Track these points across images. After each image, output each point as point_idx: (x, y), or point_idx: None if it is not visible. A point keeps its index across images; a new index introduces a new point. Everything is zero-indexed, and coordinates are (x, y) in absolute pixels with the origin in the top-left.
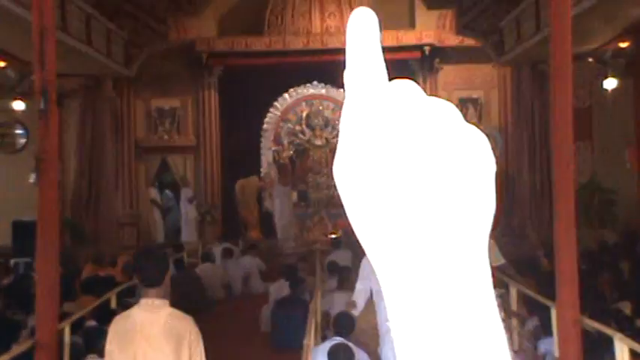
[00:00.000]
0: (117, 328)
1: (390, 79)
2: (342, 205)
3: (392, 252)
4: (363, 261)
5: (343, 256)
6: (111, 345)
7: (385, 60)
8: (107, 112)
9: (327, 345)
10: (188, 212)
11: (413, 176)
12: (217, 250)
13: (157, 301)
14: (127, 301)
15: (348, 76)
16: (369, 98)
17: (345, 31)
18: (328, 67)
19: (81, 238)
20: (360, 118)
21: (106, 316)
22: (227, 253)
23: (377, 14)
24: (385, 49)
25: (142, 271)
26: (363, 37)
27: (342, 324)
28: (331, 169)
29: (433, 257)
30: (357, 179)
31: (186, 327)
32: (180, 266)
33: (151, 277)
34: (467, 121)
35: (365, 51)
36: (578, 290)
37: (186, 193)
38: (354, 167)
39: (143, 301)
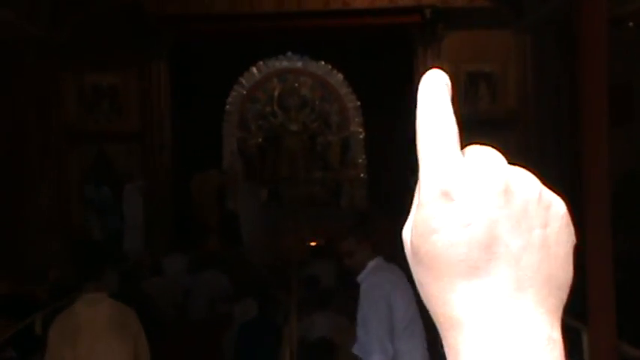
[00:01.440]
0: (60, 326)
1: (385, 51)
2: (323, 205)
3: (464, 324)
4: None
5: (325, 268)
6: (55, 345)
7: (377, 25)
8: (29, 89)
9: None
10: (134, 213)
11: (491, 245)
12: (168, 261)
13: (98, 295)
14: None
15: (420, 142)
16: (444, 165)
17: None
18: (306, 35)
19: None
20: (434, 184)
21: (28, 344)
22: (191, 266)
23: None
24: (376, 12)
25: (78, 263)
26: (434, 102)
27: (323, 352)
28: (309, 159)
29: (505, 323)
30: (429, 246)
31: (129, 317)
32: (125, 280)
33: (89, 270)
34: (478, 100)
35: (437, 116)
36: (615, 312)
37: (130, 188)
38: (428, 235)
39: (84, 296)
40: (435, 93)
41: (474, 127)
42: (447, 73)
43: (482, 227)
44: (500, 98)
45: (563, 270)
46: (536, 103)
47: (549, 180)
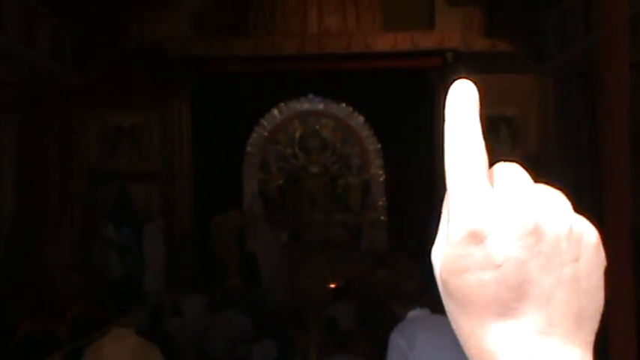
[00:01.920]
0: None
1: (406, 94)
2: (343, 247)
3: (494, 353)
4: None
5: (345, 311)
6: None
7: (399, 68)
8: (52, 131)
9: None
10: (155, 253)
11: (518, 266)
12: (188, 301)
13: (125, 330)
14: None
15: (448, 170)
16: (474, 202)
17: (347, 33)
18: (327, 77)
19: (18, 286)
20: (464, 224)
21: None
22: (210, 307)
23: (386, 12)
24: (398, 55)
25: (109, 300)
26: (462, 115)
27: None
28: (330, 201)
29: (536, 346)
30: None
31: (153, 356)
32: (146, 320)
33: (118, 307)
34: (499, 144)
35: (465, 141)
36: (636, 343)
37: (151, 228)
38: (456, 256)
39: (111, 332)
40: (462, 110)
41: None
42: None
43: (512, 269)
44: (522, 142)
45: (594, 300)
46: (558, 148)
47: None
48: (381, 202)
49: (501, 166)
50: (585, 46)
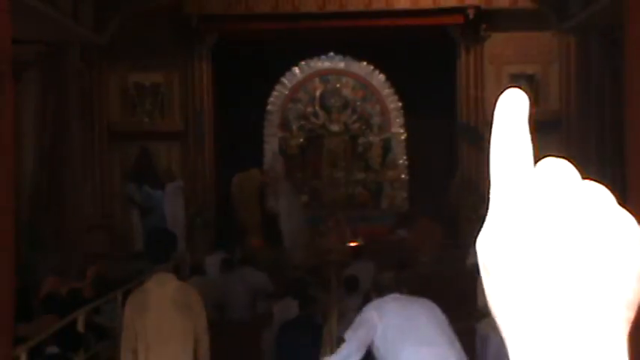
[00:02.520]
0: (133, 301)
1: (427, 52)
2: (364, 206)
3: (530, 330)
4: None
5: (365, 269)
6: (130, 316)
7: (420, 26)
8: (73, 89)
9: None
10: (176, 213)
11: (559, 259)
12: (209, 260)
13: (166, 276)
14: (98, 322)
15: (493, 156)
16: (518, 178)
17: None
18: (348, 35)
19: (41, 245)
20: (508, 197)
21: (71, 340)
22: (223, 265)
23: None
24: (419, 13)
25: (150, 249)
26: (511, 119)
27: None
28: (350, 160)
29: (570, 339)
30: (502, 257)
31: (192, 297)
32: None
33: (158, 256)
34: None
35: (513, 133)
36: None
37: (172, 188)
38: (501, 245)
39: (154, 277)
40: (511, 117)
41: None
42: (488, 74)
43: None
44: (543, 100)
45: (633, 289)
46: (580, 105)
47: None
48: (401, 161)
49: (549, 162)
50: (608, 2)
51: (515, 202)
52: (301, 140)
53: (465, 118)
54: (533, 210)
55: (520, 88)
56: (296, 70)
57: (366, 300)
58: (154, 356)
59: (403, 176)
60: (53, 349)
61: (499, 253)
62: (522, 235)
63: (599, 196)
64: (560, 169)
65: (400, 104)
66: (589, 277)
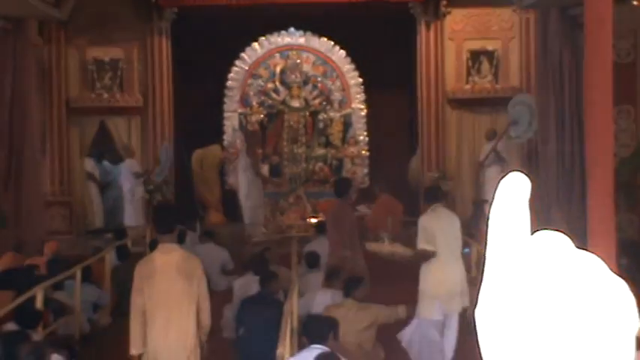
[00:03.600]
0: (141, 269)
1: (387, 28)
2: (324, 182)
3: None
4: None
5: (326, 246)
6: (139, 281)
7: (380, 1)
8: (31, 64)
9: (306, 355)
10: (133, 189)
11: (556, 330)
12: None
13: (171, 245)
14: (56, 299)
15: (491, 228)
16: (515, 249)
17: None
18: (309, 10)
19: None
20: (504, 267)
21: (29, 317)
22: (181, 240)
23: None
24: None
25: (157, 221)
26: (512, 199)
27: (324, 327)
28: (311, 136)
29: None
30: (499, 326)
31: (195, 265)
32: (124, 255)
33: (165, 226)
34: (480, 78)
35: (512, 210)
36: None
37: (131, 165)
38: (498, 314)
39: (160, 246)
40: (512, 194)
41: (476, 106)
42: (449, 50)
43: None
44: (503, 77)
45: (631, 354)
46: (539, 82)
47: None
48: (362, 137)
49: (545, 235)
50: None
51: (512, 274)
52: (261, 116)
53: (426, 95)
54: (530, 281)
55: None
56: (256, 45)
57: (328, 276)
58: (161, 318)
59: (364, 152)
60: (11, 326)
61: (496, 323)
62: (519, 307)
63: (593, 266)
64: (555, 242)
65: (361, 80)
66: (586, 346)
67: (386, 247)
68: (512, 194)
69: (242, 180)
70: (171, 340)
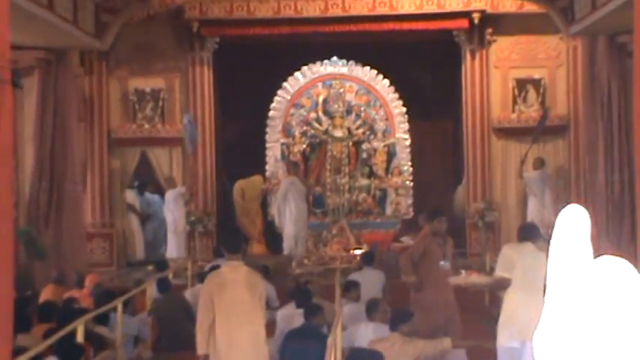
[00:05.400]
0: (212, 282)
1: (432, 57)
2: (368, 213)
3: None
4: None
5: (373, 277)
6: (209, 293)
7: (424, 30)
8: (73, 94)
9: None
10: (176, 221)
11: (614, 355)
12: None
13: (237, 263)
14: (98, 332)
15: (553, 256)
16: (576, 276)
17: None
18: (352, 40)
19: (39, 253)
20: (566, 294)
21: (70, 350)
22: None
23: None
24: (424, 17)
25: (225, 244)
26: (571, 232)
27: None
28: (354, 166)
29: None
30: (558, 353)
31: (258, 281)
32: (165, 288)
33: (234, 248)
34: (527, 107)
35: (572, 243)
36: None
37: (173, 195)
38: (558, 341)
39: (228, 263)
40: (573, 224)
41: (522, 135)
42: (494, 78)
43: None
44: (550, 104)
45: None
46: (587, 110)
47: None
48: (406, 167)
49: (607, 262)
50: (617, 5)
51: (573, 301)
52: (304, 146)
53: (471, 124)
54: (592, 309)
55: (526, 92)
56: (298, 75)
57: (368, 308)
58: (231, 327)
59: (408, 182)
60: None
61: (555, 352)
62: (579, 334)
63: None
64: (618, 270)
65: (404, 109)
66: None
67: (464, 278)
68: (572, 228)
69: (291, 208)
70: (245, 347)
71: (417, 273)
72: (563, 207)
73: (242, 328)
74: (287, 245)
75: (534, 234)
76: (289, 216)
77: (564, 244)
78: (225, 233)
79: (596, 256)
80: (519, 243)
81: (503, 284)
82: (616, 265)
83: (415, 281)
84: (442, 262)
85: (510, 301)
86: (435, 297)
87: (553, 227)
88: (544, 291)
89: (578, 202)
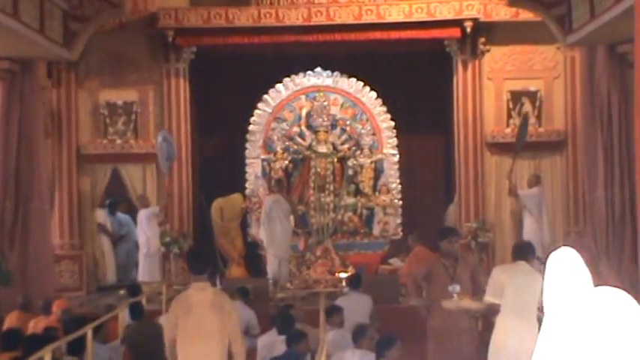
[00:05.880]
0: (178, 303)
1: (421, 68)
2: (354, 233)
3: None
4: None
5: (360, 301)
6: (174, 316)
7: (414, 39)
8: (39, 108)
9: None
10: (149, 243)
11: None
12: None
13: (203, 284)
14: None
15: (549, 284)
16: (571, 308)
17: (358, 1)
18: (337, 50)
19: (4, 278)
20: (561, 326)
21: None
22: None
23: None
24: (413, 25)
25: (191, 262)
26: (562, 274)
27: None
28: (339, 183)
29: None
30: None
31: (225, 300)
32: (138, 314)
33: (199, 269)
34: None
35: (564, 284)
36: None
37: (146, 215)
38: None
39: (194, 285)
40: (568, 268)
41: (518, 150)
42: (488, 91)
43: None
44: (547, 119)
45: None
46: (586, 124)
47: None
48: (394, 184)
49: (605, 293)
50: (617, 14)
51: (569, 333)
52: (286, 162)
53: (463, 138)
54: (589, 343)
55: (521, 105)
56: (280, 87)
57: (354, 335)
58: (195, 349)
59: (396, 201)
60: None
61: None
62: None
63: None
64: (615, 301)
65: (392, 123)
66: None
67: (456, 303)
68: (562, 270)
69: (265, 231)
70: None
71: (425, 297)
72: (564, 235)
73: (207, 350)
74: (271, 269)
75: (528, 252)
76: (273, 237)
77: (558, 285)
78: (190, 254)
79: (594, 280)
80: (512, 263)
81: (493, 310)
82: (615, 297)
83: (421, 305)
84: (451, 286)
85: (500, 329)
86: (442, 323)
87: (551, 248)
88: (537, 316)
89: (576, 221)
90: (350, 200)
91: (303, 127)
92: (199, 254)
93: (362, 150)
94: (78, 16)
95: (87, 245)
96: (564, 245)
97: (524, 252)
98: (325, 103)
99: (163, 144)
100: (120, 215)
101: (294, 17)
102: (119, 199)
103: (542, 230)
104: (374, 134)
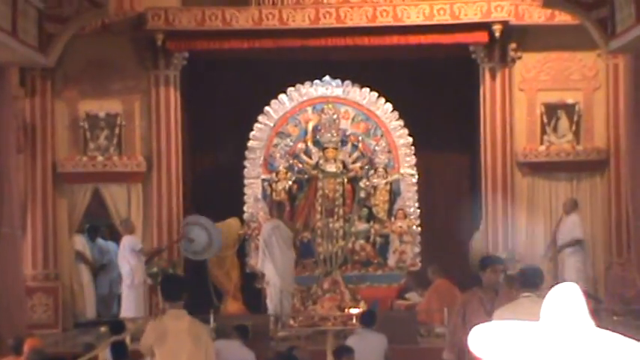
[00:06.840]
0: (154, 329)
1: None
2: (366, 264)
3: None
4: None
5: (373, 341)
6: (150, 343)
7: (435, 45)
8: (10, 120)
9: None
10: (133, 273)
11: None
12: None
13: (180, 312)
14: None
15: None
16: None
17: (372, 1)
18: (348, 56)
19: None
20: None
21: None
22: None
23: None
24: (434, 29)
25: (166, 292)
26: (567, 311)
27: None
28: (350, 207)
29: None
30: None
31: (202, 330)
32: (121, 354)
33: (174, 297)
34: (557, 137)
35: (569, 321)
36: None
37: (131, 243)
38: None
39: (170, 312)
40: (570, 302)
41: (552, 171)
42: (519, 103)
43: None
44: (586, 135)
45: None
46: (631, 142)
47: None
48: (412, 209)
49: (611, 339)
50: None
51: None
52: (290, 183)
53: (491, 157)
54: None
55: (557, 120)
56: (284, 97)
57: None
58: None
59: (414, 227)
60: None
61: None
62: None
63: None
64: (622, 348)
65: (410, 139)
66: None
67: None
68: (565, 308)
69: (266, 261)
70: None
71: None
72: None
73: None
74: (272, 304)
75: (539, 279)
76: (273, 267)
77: (559, 323)
78: (164, 279)
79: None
80: (517, 302)
81: None
82: (619, 343)
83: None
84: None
85: None
86: None
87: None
88: None
89: (619, 251)
90: (362, 226)
91: (309, 144)
92: (174, 280)
93: (376, 169)
94: (55, 17)
95: (63, 276)
96: (607, 279)
97: (533, 280)
98: (334, 117)
99: (202, 232)
100: (101, 242)
101: (300, 19)
102: (100, 223)
103: (586, 263)
104: (389, 152)
